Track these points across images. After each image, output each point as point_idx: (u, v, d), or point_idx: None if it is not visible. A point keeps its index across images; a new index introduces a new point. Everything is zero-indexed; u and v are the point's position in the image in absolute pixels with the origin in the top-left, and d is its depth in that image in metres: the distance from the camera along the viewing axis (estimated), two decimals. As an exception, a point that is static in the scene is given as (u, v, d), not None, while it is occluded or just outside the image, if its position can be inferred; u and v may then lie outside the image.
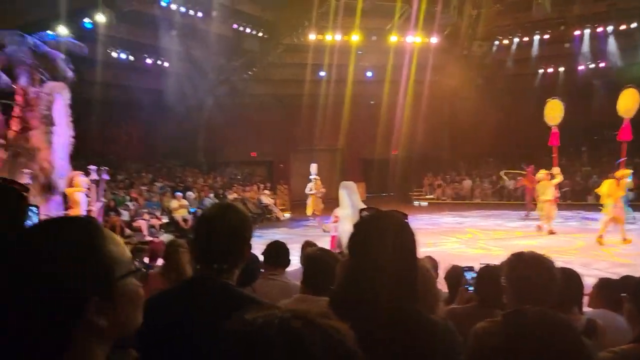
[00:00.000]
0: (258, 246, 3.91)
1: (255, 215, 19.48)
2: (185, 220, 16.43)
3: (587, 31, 22.59)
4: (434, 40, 22.49)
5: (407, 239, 1.67)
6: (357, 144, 27.38)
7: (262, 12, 20.61)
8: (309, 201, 17.03)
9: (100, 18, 15.64)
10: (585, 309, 3.46)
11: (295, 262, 4.12)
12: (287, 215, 21.85)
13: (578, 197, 23.07)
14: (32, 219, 1.60)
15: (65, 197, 11.79)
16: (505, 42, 24.06)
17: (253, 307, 0.87)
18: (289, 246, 4.08)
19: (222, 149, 25.98)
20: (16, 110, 11.78)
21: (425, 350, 1.54)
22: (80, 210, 11.39)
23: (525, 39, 23.59)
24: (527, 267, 2.28)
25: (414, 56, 23.02)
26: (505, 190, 24.67)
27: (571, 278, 3.01)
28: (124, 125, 23.33)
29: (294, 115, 25.06)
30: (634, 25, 21.48)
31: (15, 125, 11.72)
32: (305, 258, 3.05)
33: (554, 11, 20.28)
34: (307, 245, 4.59)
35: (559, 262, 2.44)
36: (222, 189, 21.21)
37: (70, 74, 12.43)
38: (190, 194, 18.35)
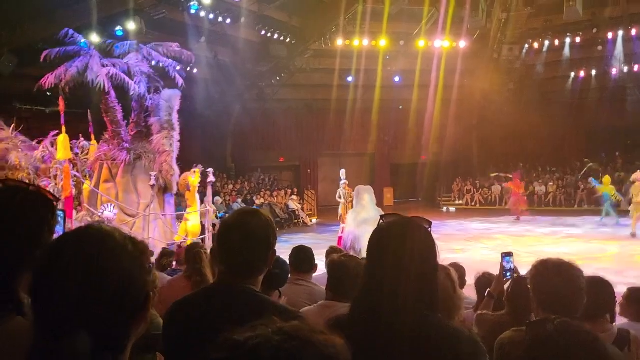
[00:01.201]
0: (285, 251, 3.94)
1: (282, 221, 19.58)
2: (213, 225, 16.57)
3: (620, 33, 22.11)
4: (463, 44, 22.31)
5: (428, 246, 1.66)
6: (386, 148, 27.32)
7: (289, 18, 20.74)
8: (340, 209, 17.01)
9: (131, 26, 15.91)
10: (619, 319, 3.38)
11: (322, 267, 4.12)
12: (314, 220, 21.88)
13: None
14: (59, 225, 1.66)
15: (180, 197, 12.98)
16: (536, 45, 23.70)
17: (237, 329, 0.83)
18: (315, 251, 4.08)
19: (250, 154, 26.18)
20: (132, 116, 12.83)
21: (443, 356, 1.53)
22: (196, 209, 12.56)
23: (556, 42, 23.20)
24: (552, 274, 2.24)
25: (443, 61, 22.87)
26: (535, 196, 24.26)
27: (601, 287, 2.93)
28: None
29: (321, 120, 25.14)
30: (668, 27, 20.96)
31: (131, 130, 12.72)
32: (329, 264, 3.05)
33: (585, 13, 19.90)
34: (333, 251, 4.58)
35: (592, 269, 2.40)
36: (249, 194, 21.36)
37: (181, 81, 13.06)
38: (217, 199, 18.52)
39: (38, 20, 14.20)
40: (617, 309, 3.27)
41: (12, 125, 11.39)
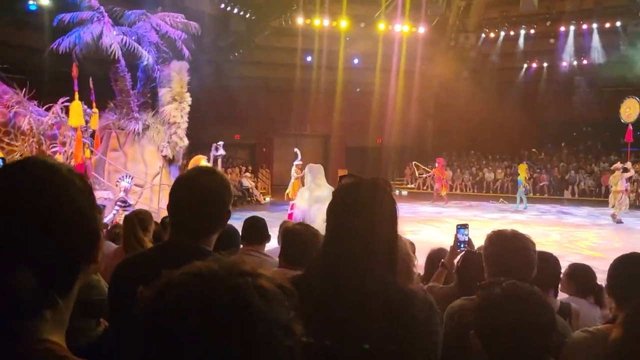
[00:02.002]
0: (237, 227, 3.87)
1: (235, 198, 19.40)
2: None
3: (572, 28, 22.76)
4: (422, 30, 22.47)
5: (388, 207, 1.61)
6: (343, 131, 27.34)
7: (250, -7, 20.37)
8: (291, 185, 16.99)
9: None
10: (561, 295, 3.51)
11: (275, 243, 4.07)
12: (268, 199, 21.80)
13: (555, 192, 23.40)
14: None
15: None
16: (492, 35, 24.15)
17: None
18: (269, 230, 4.02)
19: (205, 131, 25.70)
20: (138, 87, 12.83)
21: (404, 319, 1.51)
22: None
23: (512, 33, 23.71)
24: (507, 242, 2.28)
25: (403, 46, 22.99)
26: (484, 182, 24.91)
27: (549, 261, 3.03)
28: (103, 101, 22.95)
29: (279, 100, 24.88)
30: (618, 23, 21.70)
31: (137, 99, 12.70)
32: (283, 232, 3.02)
33: (541, 6, 20.39)
34: (286, 222, 4.56)
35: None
36: (203, 170, 21.04)
37: (187, 53, 12.79)
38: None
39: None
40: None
41: (25, 89, 11.08)
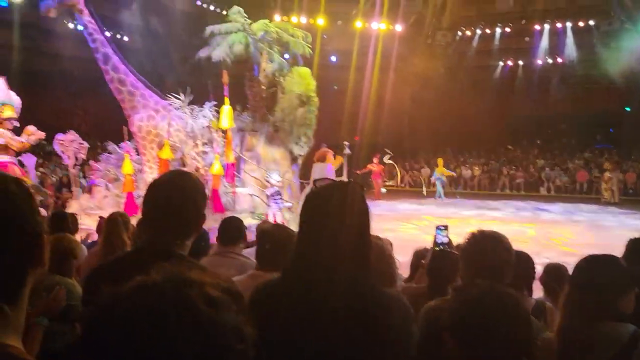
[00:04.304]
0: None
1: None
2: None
3: (546, 26, 23.08)
4: (399, 28, 22.56)
5: (358, 210, 1.62)
6: (321, 128, 27.24)
7: (226, -10, 20.22)
8: None
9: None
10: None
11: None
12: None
13: (531, 188, 23.70)
14: None
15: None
16: (468, 33, 24.37)
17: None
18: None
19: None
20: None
21: (378, 322, 1.52)
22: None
23: (488, 31, 23.96)
24: (486, 243, 2.29)
25: (379, 43, 23.04)
26: (462, 179, 25.13)
27: (523, 260, 3.05)
28: (80, 99, 22.61)
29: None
30: (591, 22, 22.06)
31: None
32: (259, 233, 2.99)
33: (516, 5, 20.63)
34: (264, 223, 4.53)
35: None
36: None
37: (301, 60, 14.02)
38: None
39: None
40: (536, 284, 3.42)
41: (185, 94, 11.67)
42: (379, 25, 22.17)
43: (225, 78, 10.88)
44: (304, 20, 21.44)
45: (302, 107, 13.05)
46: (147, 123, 10.92)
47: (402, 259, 4.46)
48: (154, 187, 1.89)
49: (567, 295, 2.17)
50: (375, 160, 21.39)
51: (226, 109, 10.73)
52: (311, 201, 1.66)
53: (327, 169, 12.50)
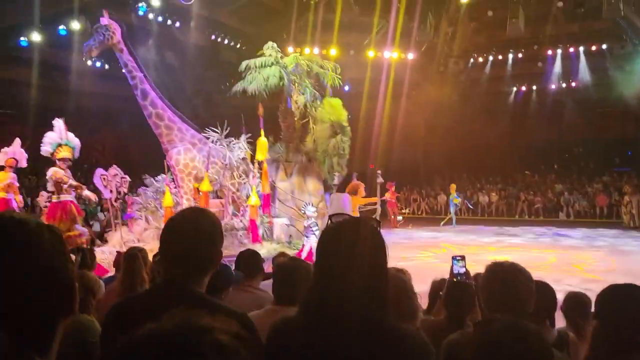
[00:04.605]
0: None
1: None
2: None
3: (559, 51, 23.10)
4: (411, 56, 22.72)
5: (379, 245, 1.62)
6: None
7: (240, 24, 20.59)
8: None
9: (75, 25, 15.43)
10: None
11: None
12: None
13: (550, 214, 23.41)
14: None
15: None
16: (480, 60, 24.45)
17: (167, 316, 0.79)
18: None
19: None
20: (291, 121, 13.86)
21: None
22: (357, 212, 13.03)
23: (500, 57, 24.01)
24: (506, 276, 2.26)
25: (392, 71, 23.20)
26: (479, 206, 24.94)
27: (544, 291, 3.00)
28: (98, 134, 22.99)
29: (271, 127, 24.90)
30: (604, 46, 22.04)
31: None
32: (276, 267, 2.98)
33: (527, 31, 20.69)
34: (280, 256, 4.50)
35: (533, 277, 2.43)
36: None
37: (331, 90, 14.66)
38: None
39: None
40: (558, 312, 3.34)
41: (222, 128, 11.92)
42: (390, 54, 22.34)
43: (261, 110, 11.38)
44: (316, 51, 21.70)
45: (335, 137, 13.24)
46: (185, 156, 11.14)
47: (420, 289, 4.40)
48: (169, 225, 1.91)
49: (594, 327, 2.13)
50: (389, 187, 21.31)
51: (261, 141, 11.09)
52: (325, 237, 1.66)
53: (343, 200, 12.50)
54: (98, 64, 19.62)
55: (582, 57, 23.12)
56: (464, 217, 24.02)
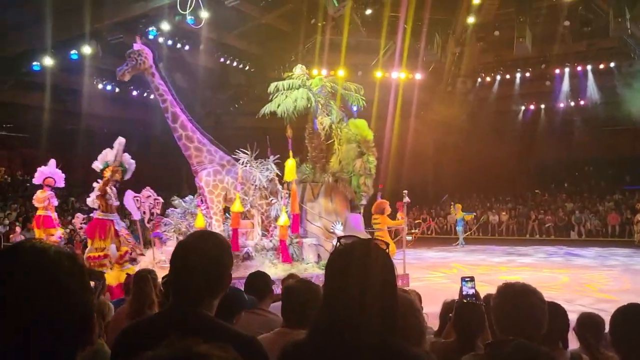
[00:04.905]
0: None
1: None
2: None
3: (567, 70, 23.11)
4: (419, 76, 22.82)
5: (388, 267, 1.61)
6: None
7: (248, 46, 20.81)
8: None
9: (87, 50, 15.66)
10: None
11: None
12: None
13: (561, 233, 23.20)
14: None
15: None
16: (488, 79, 24.50)
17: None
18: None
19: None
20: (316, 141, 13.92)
21: None
22: (385, 231, 13.52)
23: (507, 76, 24.06)
24: (516, 299, 2.23)
25: (400, 92, 23.28)
26: (489, 225, 24.78)
27: (556, 312, 2.96)
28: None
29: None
30: (612, 64, 22.04)
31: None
32: (284, 290, 2.96)
33: (534, 50, 20.74)
34: (289, 278, 4.48)
35: (545, 297, 2.40)
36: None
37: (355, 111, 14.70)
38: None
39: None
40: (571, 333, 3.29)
41: (252, 150, 11.94)
42: (398, 75, 22.45)
43: (289, 132, 11.57)
44: (324, 72, 21.84)
45: (361, 157, 13.36)
46: (214, 177, 11.28)
47: (431, 310, 4.36)
48: (178, 248, 1.92)
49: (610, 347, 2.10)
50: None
51: (290, 162, 11.35)
52: (334, 259, 1.66)
53: (356, 220, 12.51)
54: (109, 87, 19.86)
55: (590, 76, 23.12)
56: (474, 237, 23.88)
